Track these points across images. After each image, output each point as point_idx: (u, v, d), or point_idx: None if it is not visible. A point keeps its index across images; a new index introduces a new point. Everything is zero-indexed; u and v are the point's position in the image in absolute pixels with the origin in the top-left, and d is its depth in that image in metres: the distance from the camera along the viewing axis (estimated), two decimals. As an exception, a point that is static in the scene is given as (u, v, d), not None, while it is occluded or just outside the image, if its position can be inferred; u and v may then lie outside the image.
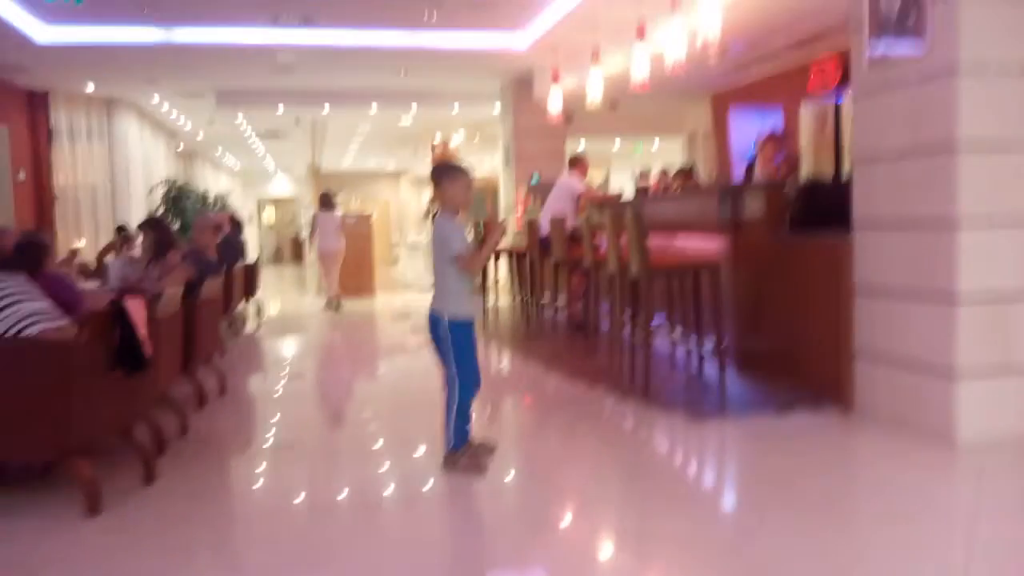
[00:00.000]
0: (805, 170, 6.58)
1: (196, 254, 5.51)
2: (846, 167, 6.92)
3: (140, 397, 3.67)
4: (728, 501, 3.44)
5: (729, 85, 11.22)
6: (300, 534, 2.97)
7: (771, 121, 10.34)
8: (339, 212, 11.60)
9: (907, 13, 3.85)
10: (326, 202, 11.38)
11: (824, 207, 5.14)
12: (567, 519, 3.18)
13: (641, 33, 7.52)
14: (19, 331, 3.15)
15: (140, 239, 9.20)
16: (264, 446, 4.40)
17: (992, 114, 3.66)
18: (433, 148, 17.73)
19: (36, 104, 11.62)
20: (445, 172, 3.63)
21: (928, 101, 3.78)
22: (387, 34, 9.36)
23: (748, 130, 10.96)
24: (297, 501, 3.40)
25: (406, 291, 13.72)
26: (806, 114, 6.82)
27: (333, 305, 11.02)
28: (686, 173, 9.34)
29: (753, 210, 5.13)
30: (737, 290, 5.25)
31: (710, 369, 5.24)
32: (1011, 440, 3.70)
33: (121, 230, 10.26)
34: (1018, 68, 3.67)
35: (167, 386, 4.26)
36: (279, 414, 5.13)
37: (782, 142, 7.23)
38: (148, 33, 8.84)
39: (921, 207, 3.84)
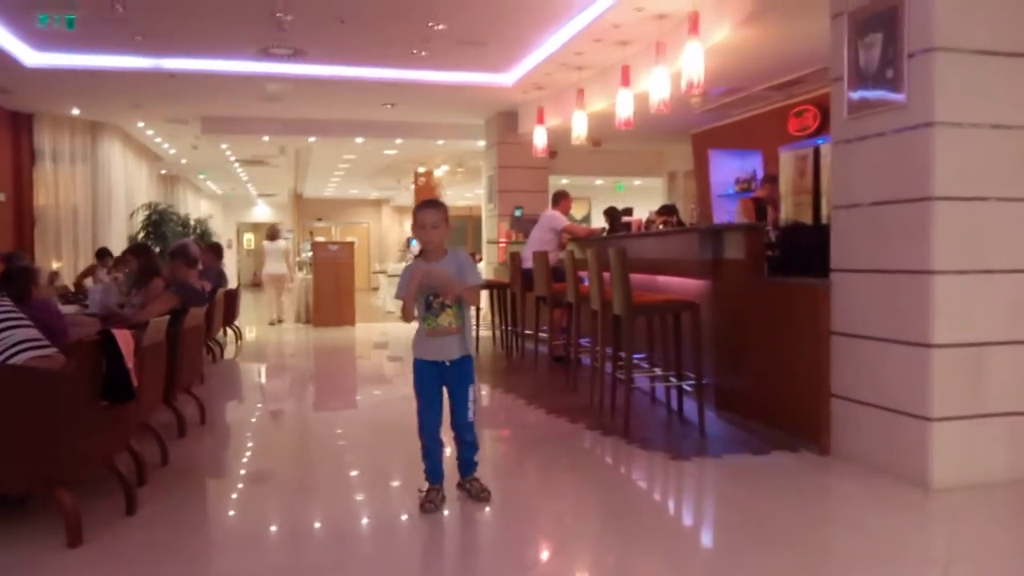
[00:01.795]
0: (785, 214, 6.72)
1: (181, 283, 5.51)
2: (825, 212, 7.07)
3: (123, 426, 3.66)
4: (705, 539, 3.48)
5: (709, 125, 11.43)
6: (280, 565, 2.97)
7: (751, 163, 10.55)
8: (283, 243, 13.49)
9: (886, 67, 3.99)
10: (272, 234, 13.43)
11: (803, 251, 5.27)
12: (545, 555, 3.20)
13: (626, 79, 7.69)
14: (6, 358, 3.15)
15: (116, 264, 9.21)
16: (243, 474, 4.39)
17: (966, 167, 3.79)
18: (416, 178, 17.85)
19: (19, 125, 11.60)
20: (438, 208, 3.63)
21: (904, 152, 3.90)
22: (375, 69, 9.48)
23: (728, 171, 11.17)
24: (275, 530, 3.40)
25: (385, 320, 13.72)
26: (785, 159, 6.97)
27: (275, 322, 13.07)
28: (669, 211, 9.48)
29: (733, 251, 5.23)
30: (717, 330, 5.34)
31: (690, 408, 5.30)
32: (984, 484, 3.78)
33: (102, 253, 10.22)
34: (989, 122, 3.81)
35: (149, 415, 4.25)
36: (258, 443, 5.12)
37: (774, 185, 7.39)
38: (137, 60, 8.90)
39: (897, 254, 3.95)
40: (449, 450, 3.70)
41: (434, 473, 3.59)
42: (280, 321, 13.18)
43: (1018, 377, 3.89)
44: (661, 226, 8.36)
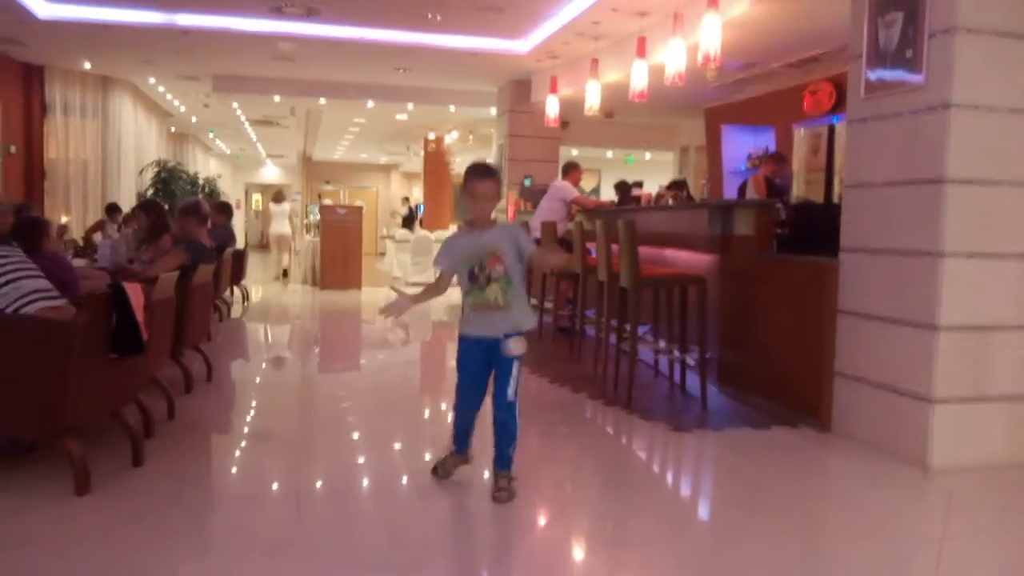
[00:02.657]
0: (796, 192, 6.69)
1: (190, 239, 5.53)
2: (836, 191, 7.04)
3: (131, 380, 3.70)
4: (703, 510, 3.52)
5: (723, 101, 11.35)
6: (282, 518, 3.03)
7: (764, 139, 10.48)
8: (287, 206, 14.63)
9: (905, 46, 3.96)
10: (278, 197, 14.60)
11: (813, 229, 5.26)
12: (543, 521, 3.25)
13: (642, 51, 7.63)
14: (17, 308, 3.18)
15: (126, 219, 9.24)
16: (247, 432, 4.44)
17: (980, 150, 3.77)
18: (426, 145, 17.80)
19: (31, 78, 11.57)
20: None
21: (919, 133, 3.88)
22: (389, 31, 9.41)
23: (740, 147, 11.11)
24: (278, 486, 3.45)
25: (392, 284, 13.73)
26: (799, 136, 6.93)
27: (280, 276, 14.09)
28: (679, 185, 9.46)
29: (742, 228, 5.22)
30: (723, 305, 5.35)
31: (692, 381, 5.33)
32: (983, 467, 3.81)
33: (111, 208, 10.24)
34: (1007, 106, 3.79)
35: (157, 369, 4.29)
36: (262, 402, 5.18)
37: (780, 163, 7.33)
38: (149, 15, 8.84)
39: (907, 235, 3.94)
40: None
41: (459, 442, 3.45)
42: (285, 275, 14.04)
43: (1020, 362, 3.90)
44: (671, 200, 8.33)
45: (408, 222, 18.54)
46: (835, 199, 5.83)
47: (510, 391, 3.27)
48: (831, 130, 5.88)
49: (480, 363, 3.34)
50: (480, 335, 3.31)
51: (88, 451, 3.20)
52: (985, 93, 3.75)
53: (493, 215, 3.42)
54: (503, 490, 3.24)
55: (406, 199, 22.01)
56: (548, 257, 3.45)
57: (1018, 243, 3.86)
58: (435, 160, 17.96)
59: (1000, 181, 3.81)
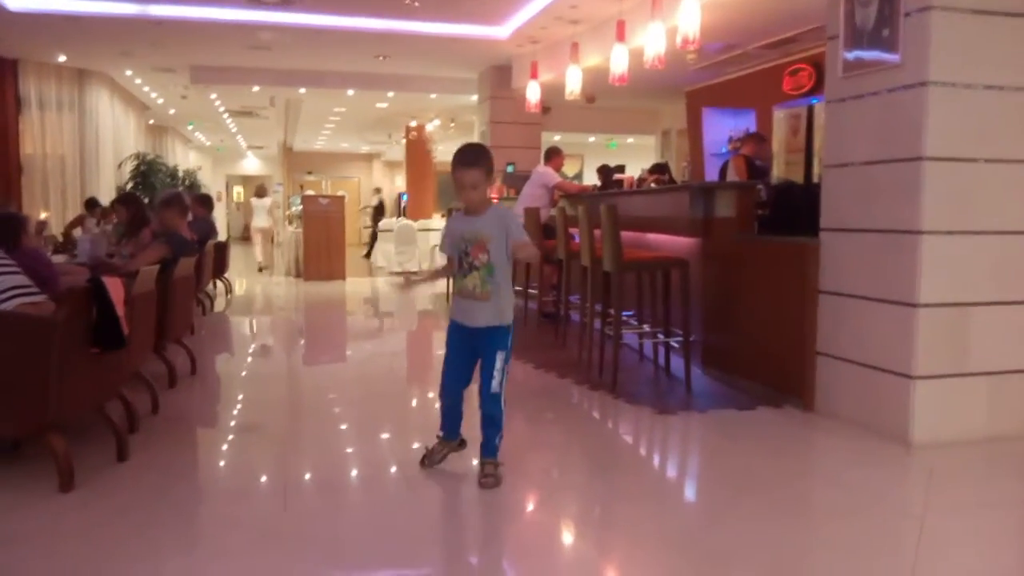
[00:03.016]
0: (777, 172, 6.71)
1: (171, 232, 5.49)
2: (816, 171, 7.06)
3: (114, 374, 3.68)
4: (689, 491, 3.55)
5: (704, 83, 11.35)
6: (269, 511, 3.03)
7: (745, 122, 10.50)
8: (268, 200, 15.18)
9: (882, 26, 3.97)
10: (260, 192, 15.21)
11: (794, 209, 5.29)
12: (531, 507, 3.26)
13: (621, 34, 7.61)
14: (-4, 305, 3.15)
15: (105, 214, 9.16)
16: (233, 424, 4.43)
17: (957, 127, 3.80)
18: (408, 132, 17.70)
19: (4, 72, 11.37)
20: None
21: (897, 112, 3.90)
22: (368, 19, 9.34)
23: (721, 129, 11.12)
24: (264, 478, 3.45)
25: (377, 275, 13.72)
26: (779, 118, 6.95)
27: (261, 269, 14.47)
28: (661, 168, 9.46)
29: (724, 210, 5.24)
30: (706, 287, 5.37)
31: (677, 364, 5.36)
32: (963, 442, 3.86)
33: (91, 203, 10.14)
34: (983, 83, 3.81)
35: (139, 364, 4.27)
36: (247, 394, 5.17)
37: (760, 143, 7.35)
38: (123, 6, 8.73)
39: (886, 214, 3.97)
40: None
41: (447, 430, 3.44)
42: (266, 268, 14.54)
43: (1000, 337, 3.95)
44: (653, 184, 8.34)
45: (379, 214, 17.88)
46: (815, 179, 5.86)
47: (494, 383, 3.25)
48: (810, 111, 5.91)
49: (464, 346, 3.33)
50: (461, 322, 3.31)
51: (72, 447, 3.18)
52: (961, 71, 3.77)
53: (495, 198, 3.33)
54: (489, 476, 3.25)
55: (377, 190, 21.47)
56: (527, 251, 3.26)
57: (996, 220, 3.90)
58: (417, 148, 17.87)
59: (977, 158, 3.84)
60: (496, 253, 3.22)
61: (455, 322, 3.36)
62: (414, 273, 3.53)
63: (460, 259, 3.26)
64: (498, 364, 3.25)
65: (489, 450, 3.30)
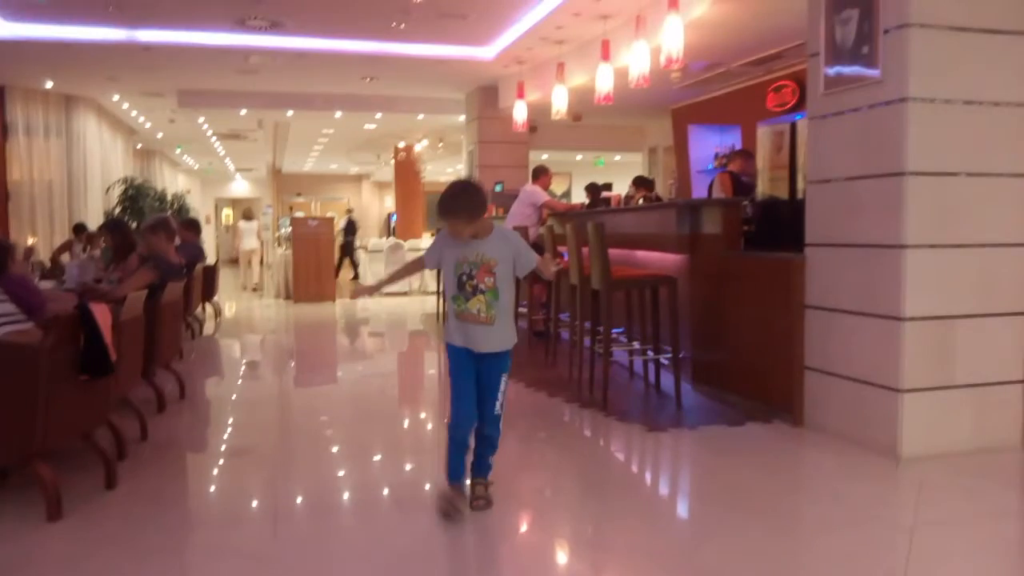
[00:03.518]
0: (761, 189, 6.77)
1: (158, 257, 5.48)
2: (800, 187, 7.12)
3: (102, 401, 3.66)
4: (681, 508, 3.56)
5: (689, 100, 11.45)
6: (260, 537, 3.01)
7: (730, 138, 10.58)
8: (255, 223, 15.68)
9: (862, 43, 4.03)
10: (247, 215, 15.83)
11: (779, 225, 5.33)
12: (525, 527, 3.26)
13: (606, 54, 7.69)
14: (-18, 333, 3.14)
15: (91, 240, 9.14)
16: (223, 449, 4.41)
17: (938, 142, 3.84)
18: (396, 153, 17.76)
19: (-10, 98, 11.39)
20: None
21: (878, 127, 3.95)
22: (354, 41, 9.39)
23: (707, 146, 11.21)
24: (256, 504, 3.44)
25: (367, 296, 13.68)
26: (763, 134, 7.03)
27: (255, 288, 14.93)
28: (647, 184, 9.55)
29: (710, 226, 5.28)
30: (694, 304, 5.40)
31: (667, 381, 5.37)
32: (951, 453, 3.87)
33: (79, 228, 10.11)
34: (961, 98, 3.86)
35: (128, 390, 4.25)
36: (237, 418, 5.14)
37: (748, 159, 7.41)
38: (111, 32, 8.76)
39: (869, 228, 4.01)
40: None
41: (455, 471, 3.18)
42: (255, 289, 14.91)
43: (984, 349, 3.97)
44: (641, 200, 8.39)
45: (349, 232, 16.68)
46: (799, 195, 5.92)
47: (498, 405, 3.19)
48: (793, 127, 5.97)
49: (468, 371, 3.17)
50: (464, 346, 3.16)
51: (60, 475, 3.17)
52: (940, 86, 3.83)
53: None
54: (480, 498, 3.21)
55: (349, 210, 21.00)
56: (550, 267, 3.18)
57: (978, 233, 3.94)
58: (406, 168, 17.93)
59: (958, 172, 3.88)
60: (502, 277, 3.09)
61: (457, 347, 3.17)
62: (373, 286, 3.42)
63: (461, 283, 3.10)
64: (502, 387, 3.19)
65: (482, 469, 3.25)
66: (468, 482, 3.25)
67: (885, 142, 3.91)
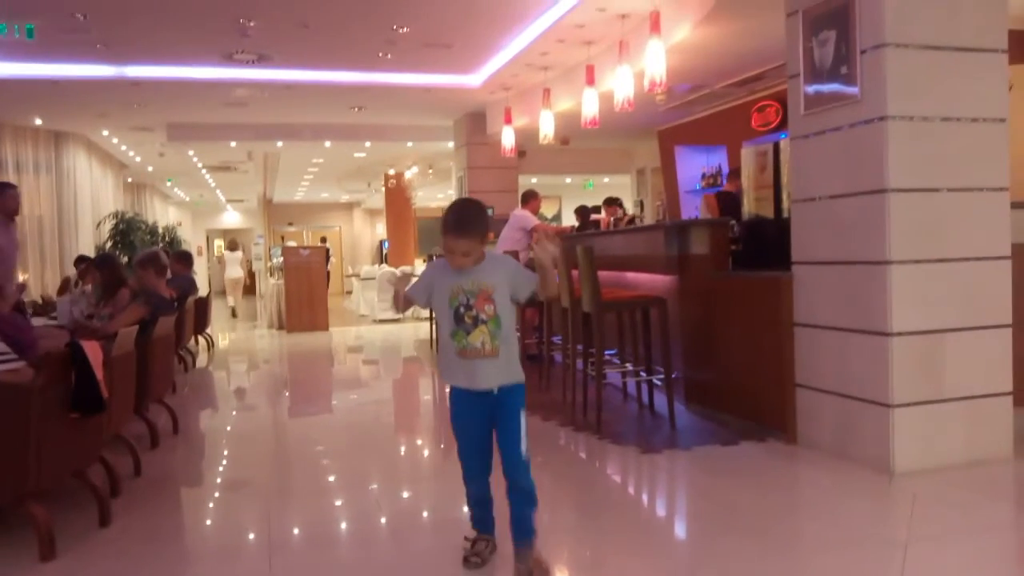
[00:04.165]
0: (747, 208, 6.82)
1: (149, 292, 5.49)
2: (786, 206, 7.17)
3: (94, 438, 3.66)
4: (678, 530, 3.56)
5: (674, 122, 11.55)
6: (257, 572, 3.00)
7: (717, 158, 10.67)
8: (239, 254, 17.09)
9: (840, 63, 4.09)
10: (232, 246, 17.18)
11: (766, 244, 5.37)
12: (522, 552, 3.24)
13: (591, 78, 7.78)
14: (-27, 374, 3.14)
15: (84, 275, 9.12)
16: (218, 483, 4.39)
17: (918, 159, 3.89)
18: (387, 181, 17.83)
19: (-20, 137, 11.42)
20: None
21: (859, 146, 4.00)
22: (342, 72, 9.48)
23: (694, 166, 11.29)
24: (252, 538, 3.42)
25: (359, 323, 13.70)
26: (747, 154, 7.06)
27: (234, 315, 16.07)
28: (615, 203, 9.72)
29: (698, 247, 5.32)
30: (685, 324, 5.43)
31: (660, 401, 5.38)
32: (944, 468, 3.89)
33: (81, 261, 10.07)
34: (939, 115, 3.92)
35: (120, 426, 4.24)
36: (232, 452, 5.13)
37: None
38: (99, 69, 8.82)
39: (854, 246, 4.05)
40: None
41: (482, 522, 2.97)
42: (234, 315, 16.03)
43: (972, 362, 4.00)
44: (613, 220, 8.46)
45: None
46: (785, 214, 5.98)
47: (522, 447, 2.80)
48: (776, 147, 6.03)
49: (479, 416, 2.82)
50: (470, 387, 2.81)
51: (53, 513, 3.16)
52: (918, 104, 3.89)
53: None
54: (542, 570, 2.74)
55: (323, 239, 20.89)
56: (550, 288, 2.86)
57: (962, 247, 3.98)
58: (396, 196, 18.00)
59: (940, 188, 3.94)
60: (502, 302, 2.78)
61: (461, 390, 2.84)
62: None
63: (459, 315, 2.75)
64: (522, 425, 2.82)
65: (523, 531, 2.77)
66: (514, 552, 2.82)
67: (866, 160, 3.96)
